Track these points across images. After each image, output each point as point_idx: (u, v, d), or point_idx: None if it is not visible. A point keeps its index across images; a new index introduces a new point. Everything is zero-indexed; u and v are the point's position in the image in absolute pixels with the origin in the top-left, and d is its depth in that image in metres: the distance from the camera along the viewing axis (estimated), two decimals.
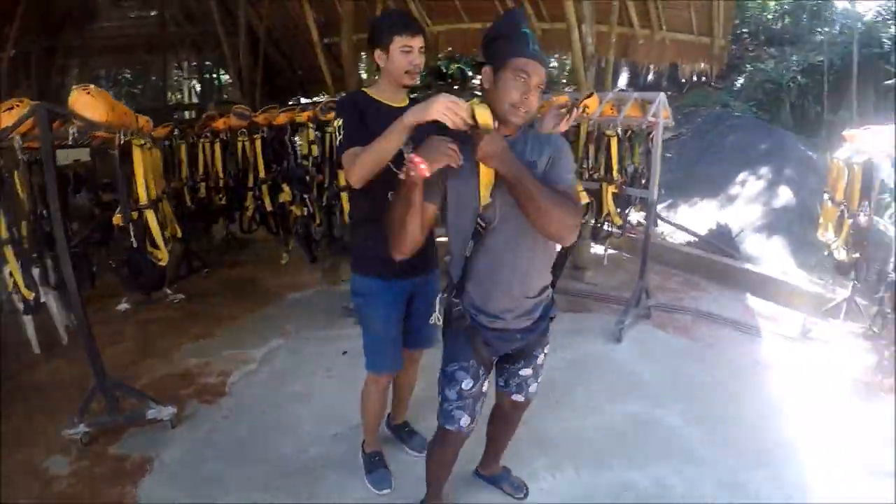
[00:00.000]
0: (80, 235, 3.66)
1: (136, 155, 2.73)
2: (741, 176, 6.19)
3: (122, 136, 2.58)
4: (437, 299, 1.77)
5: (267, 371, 3.34)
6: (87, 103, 2.45)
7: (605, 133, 3.97)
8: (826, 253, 3.97)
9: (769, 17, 9.43)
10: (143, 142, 2.74)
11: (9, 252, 2.74)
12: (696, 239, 5.76)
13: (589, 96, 3.99)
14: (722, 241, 5.62)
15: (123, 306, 4.11)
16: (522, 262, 1.67)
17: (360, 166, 1.78)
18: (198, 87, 10.00)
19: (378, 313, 2.09)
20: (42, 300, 3.02)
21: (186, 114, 8.45)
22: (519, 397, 1.96)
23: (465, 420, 1.80)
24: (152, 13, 7.59)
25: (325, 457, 2.53)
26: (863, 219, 3.36)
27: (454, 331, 1.77)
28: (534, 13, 6.26)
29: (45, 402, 2.95)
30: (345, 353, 3.51)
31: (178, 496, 2.31)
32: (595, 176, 4.03)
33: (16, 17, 6.00)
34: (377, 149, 1.73)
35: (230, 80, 10.27)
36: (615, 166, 3.96)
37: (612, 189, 3.97)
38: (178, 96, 9.98)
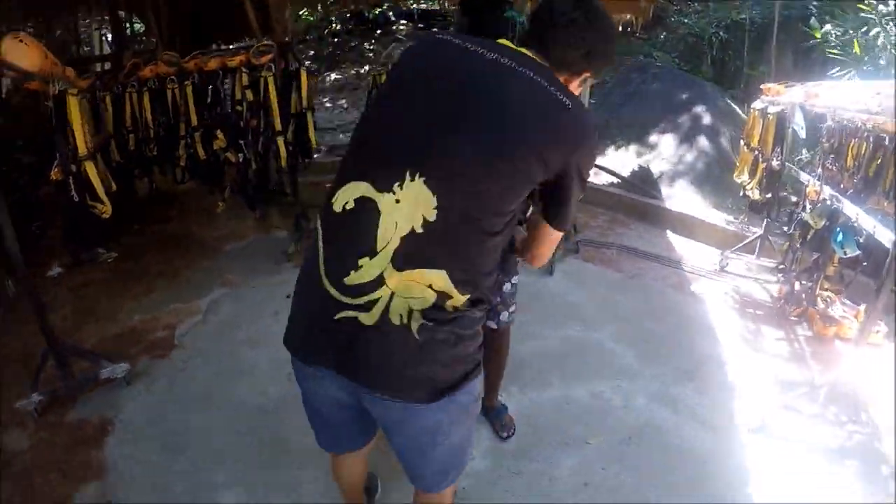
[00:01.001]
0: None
1: (73, 104, 2.58)
2: (663, 122, 6.40)
3: (55, 86, 2.45)
4: None
5: (214, 320, 3.33)
6: (21, 52, 2.30)
7: None
8: (741, 194, 4.27)
9: None
10: (76, 91, 2.59)
11: None
12: (620, 180, 5.93)
13: None
14: (644, 182, 5.81)
15: (56, 271, 3.88)
16: None
17: None
18: (109, 38, 9.20)
19: None
20: None
21: (99, 66, 7.80)
22: (492, 324, 2.11)
23: None
24: None
25: (284, 397, 2.59)
26: (775, 163, 3.64)
27: None
28: None
29: None
30: (289, 296, 3.53)
31: (143, 452, 2.33)
32: None
33: None
34: None
35: (143, 29, 9.56)
36: None
37: None
38: (87, 49, 9.12)
